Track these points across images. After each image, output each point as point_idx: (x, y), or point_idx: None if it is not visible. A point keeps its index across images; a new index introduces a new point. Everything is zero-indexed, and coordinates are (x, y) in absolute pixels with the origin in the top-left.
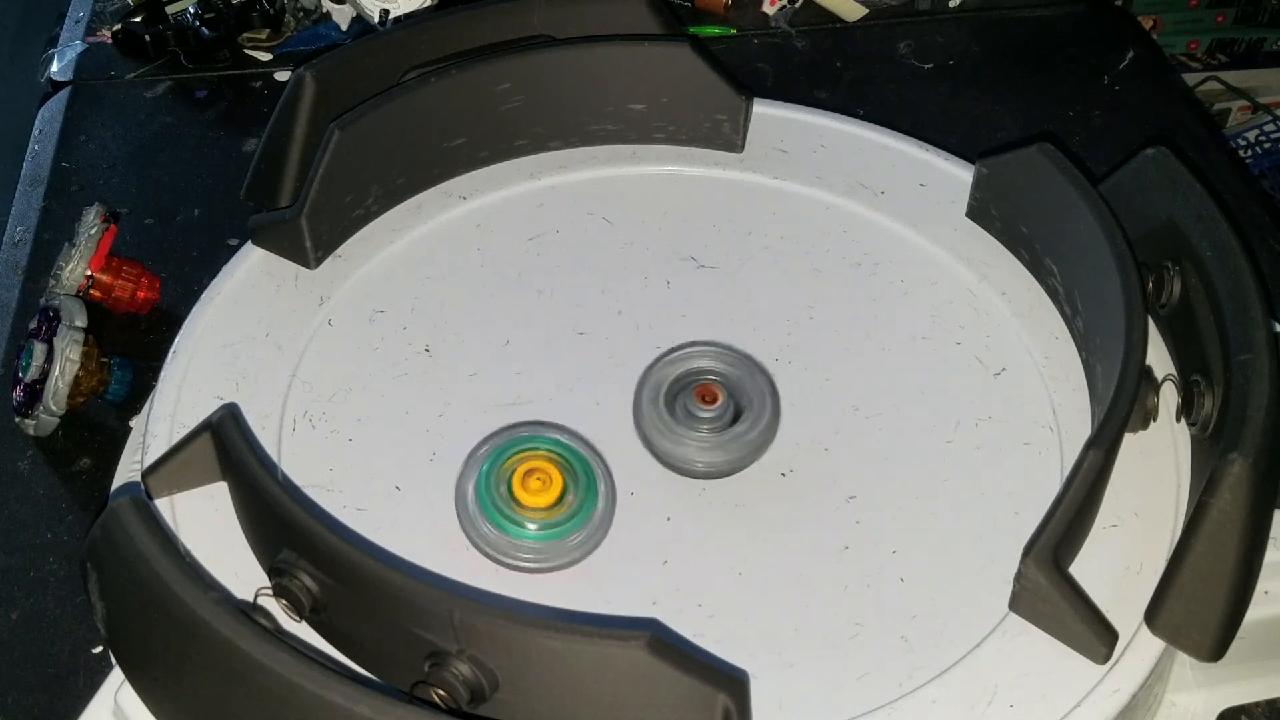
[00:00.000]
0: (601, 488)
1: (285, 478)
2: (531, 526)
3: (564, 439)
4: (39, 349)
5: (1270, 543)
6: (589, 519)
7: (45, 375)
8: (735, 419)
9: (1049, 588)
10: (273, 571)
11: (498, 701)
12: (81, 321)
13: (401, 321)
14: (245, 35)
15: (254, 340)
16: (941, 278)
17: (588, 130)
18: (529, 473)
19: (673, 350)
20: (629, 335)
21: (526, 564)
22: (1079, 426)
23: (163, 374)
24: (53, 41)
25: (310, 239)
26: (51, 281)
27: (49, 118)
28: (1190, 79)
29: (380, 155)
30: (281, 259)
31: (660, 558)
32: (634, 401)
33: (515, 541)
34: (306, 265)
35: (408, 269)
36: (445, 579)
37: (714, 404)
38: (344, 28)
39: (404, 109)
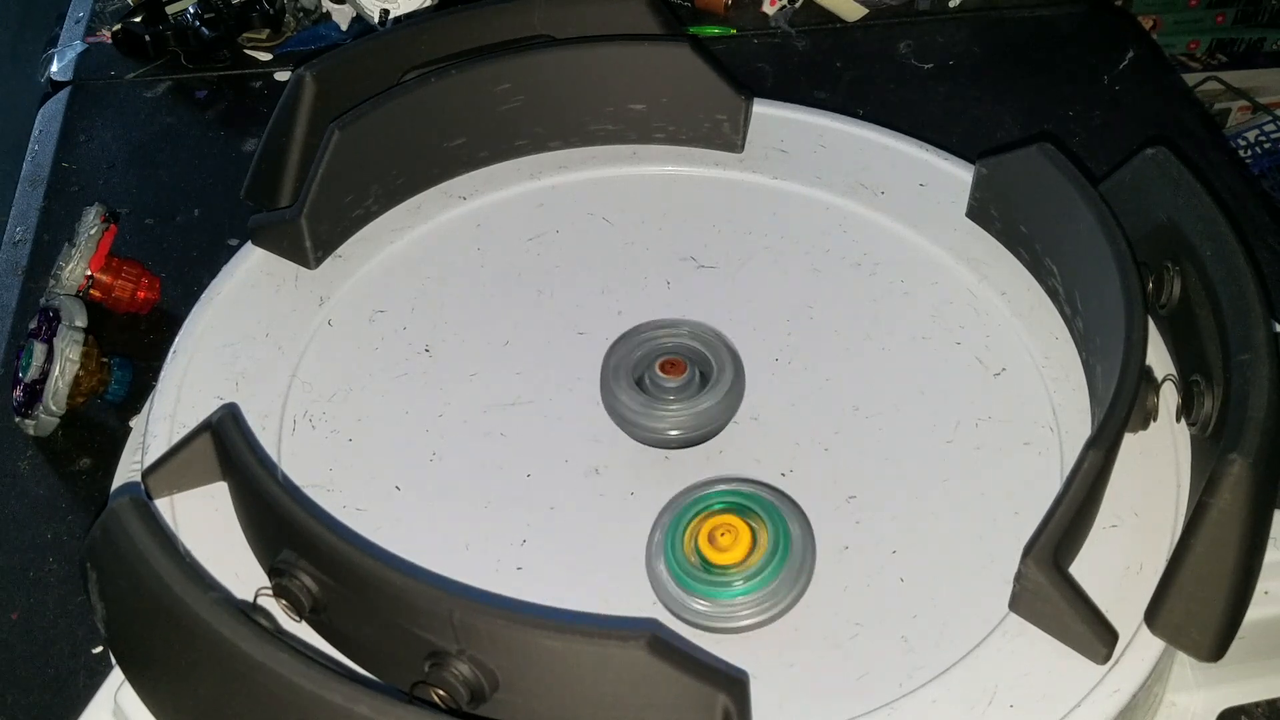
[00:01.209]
0: (793, 527)
1: (285, 478)
2: (738, 584)
3: (736, 488)
4: (39, 349)
5: (1270, 543)
6: (790, 558)
7: (45, 375)
8: (701, 384)
9: (1049, 588)
10: (273, 571)
11: (498, 701)
12: (81, 321)
13: (401, 321)
14: (245, 35)
15: (254, 340)
16: (941, 278)
17: (588, 130)
18: (714, 530)
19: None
20: None
21: (743, 622)
22: (1079, 426)
23: (163, 374)
24: (53, 41)
25: (310, 239)
26: (51, 281)
27: (49, 118)
28: (1190, 79)
29: (380, 155)
30: (281, 259)
31: None
32: (601, 387)
33: (727, 603)
34: (306, 265)
35: (408, 269)
36: (445, 579)
37: (681, 374)
38: (344, 28)
39: (404, 109)
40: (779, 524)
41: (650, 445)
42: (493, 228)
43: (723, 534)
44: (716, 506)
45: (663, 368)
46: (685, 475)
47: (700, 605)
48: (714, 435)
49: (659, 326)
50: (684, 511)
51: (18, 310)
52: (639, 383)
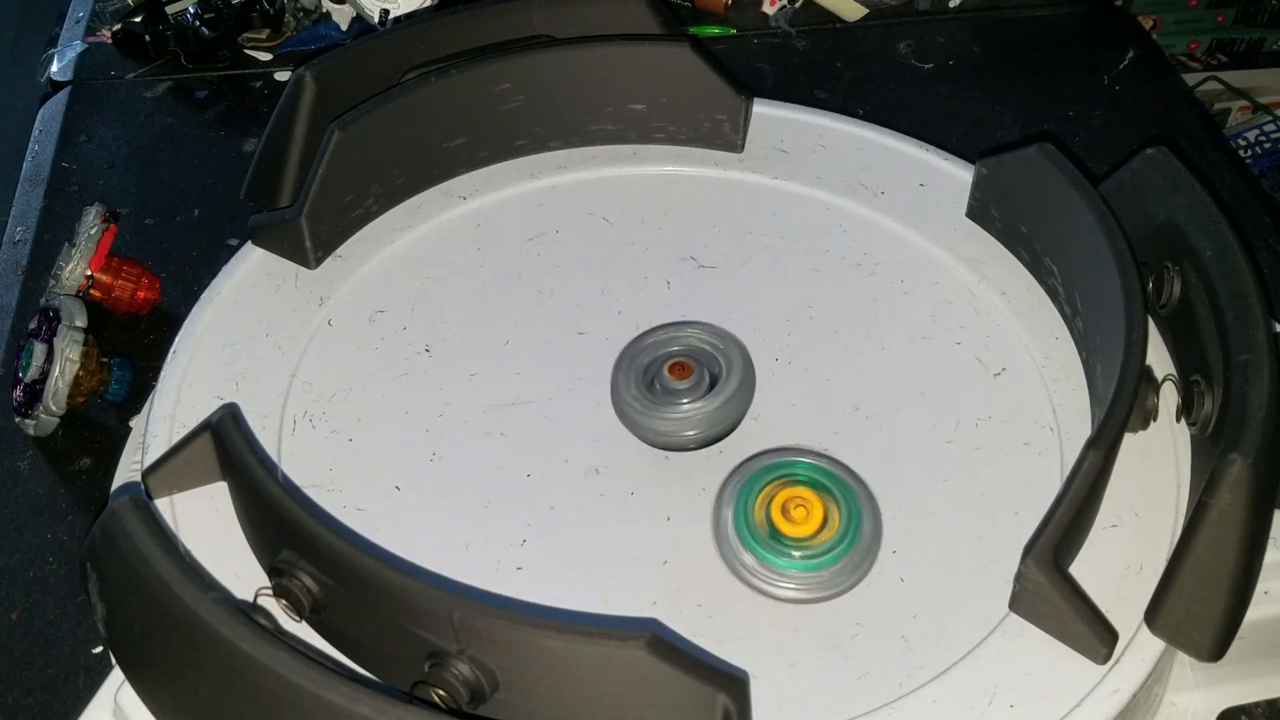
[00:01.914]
0: (865, 513)
1: (285, 478)
2: (796, 555)
3: (820, 464)
4: (39, 349)
5: (1270, 543)
6: (857, 544)
7: (45, 375)
8: (710, 386)
9: (1049, 588)
10: (273, 571)
11: (498, 701)
12: (81, 321)
13: (401, 321)
14: (245, 35)
15: (254, 340)
16: (941, 278)
17: (588, 130)
18: (788, 502)
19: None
20: (629, 335)
21: (793, 594)
22: (1079, 426)
23: (163, 374)
24: (53, 41)
25: (310, 239)
26: (51, 281)
27: (49, 118)
28: (1190, 79)
29: (380, 155)
30: (281, 259)
31: (660, 558)
32: (612, 390)
33: (781, 571)
34: (306, 265)
35: (408, 269)
36: (445, 579)
37: (688, 376)
38: (344, 28)
39: (404, 109)
40: (854, 512)
41: (656, 447)
42: (493, 228)
43: (797, 506)
44: (801, 478)
45: (671, 370)
46: (685, 475)
47: (752, 562)
48: (725, 437)
49: (668, 329)
50: (764, 472)
51: (18, 310)
52: (648, 385)
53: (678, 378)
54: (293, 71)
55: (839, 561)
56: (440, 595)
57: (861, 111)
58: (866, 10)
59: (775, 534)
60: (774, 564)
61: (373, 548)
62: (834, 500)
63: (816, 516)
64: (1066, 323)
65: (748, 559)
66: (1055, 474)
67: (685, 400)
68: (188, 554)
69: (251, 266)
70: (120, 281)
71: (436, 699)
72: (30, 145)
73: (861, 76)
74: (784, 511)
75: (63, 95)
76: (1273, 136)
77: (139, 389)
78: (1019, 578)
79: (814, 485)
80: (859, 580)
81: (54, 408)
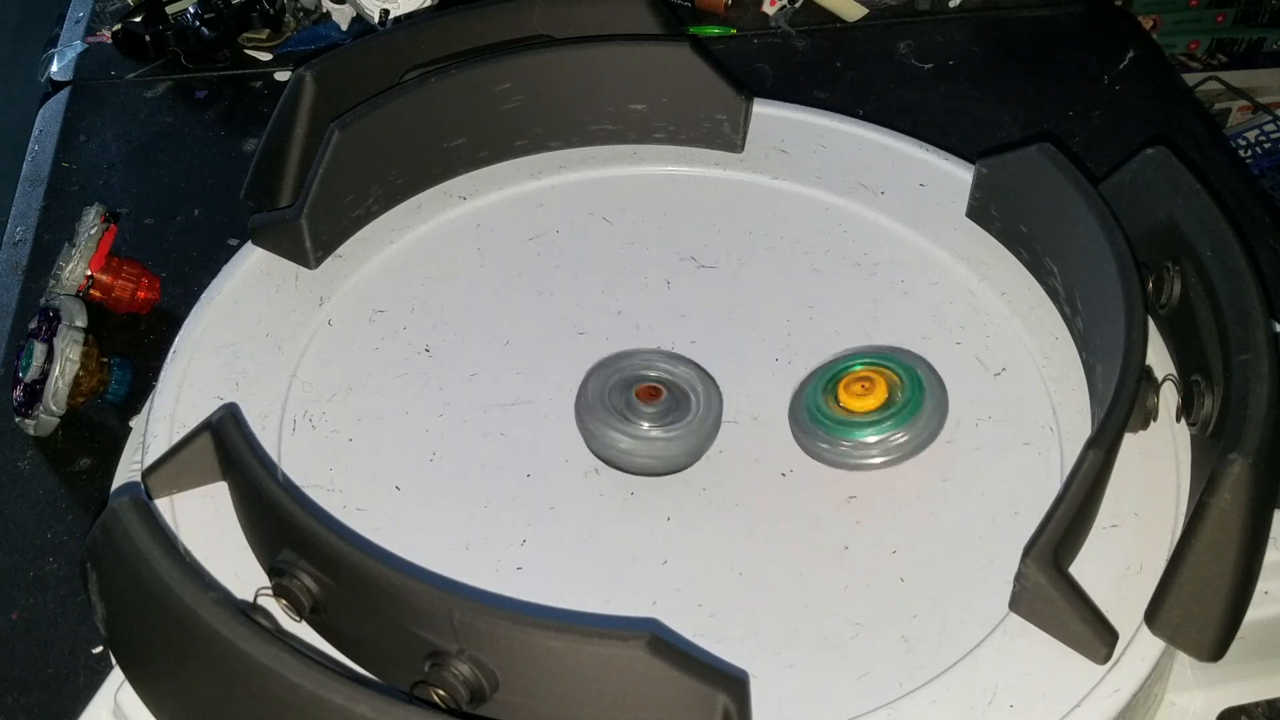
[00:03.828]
0: (927, 387)
1: (285, 478)
2: (866, 429)
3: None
4: (39, 349)
5: (1270, 543)
6: (920, 410)
7: (45, 375)
8: (678, 411)
9: (1049, 588)
10: (273, 571)
11: (498, 701)
12: (81, 321)
13: (401, 321)
14: (245, 35)
15: (254, 340)
16: (941, 278)
17: (588, 130)
18: (853, 382)
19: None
20: (629, 335)
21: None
22: (1079, 426)
23: (163, 374)
24: (53, 41)
25: (310, 239)
26: (51, 281)
27: (49, 118)
28: (1190, 79)
29: (380, 155)
30: (281, 259)
31: (660, 558)
32: (577, 407)
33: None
34: (306, 265)
35: (408, 269)
36: (445, 579)
37: (658, 399)
38: (344, 28)
39: (404, 109)
40: (914, 381)
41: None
42: (493, 228)
43: (862, 385)
44: (857, 367)
45: (639, 394)
46: (685, 475)
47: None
48: (684, 469)
49: (638, 356)
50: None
51: (18, 310)
52: (616, 408)
53: (645, 401)
54: (293, 71)
55: (919, 411)
56: (440, 595)
57: (861, 111)
58: (866, 10)
59: (847, 412)
60: (851, 435)
61: (373, 548)
62: (891, 372)
63: (881, 388)
64: (1066, 323)
65: (847, 444)
66: (1055, 474)
67: (646, 425)
68: (188, 554)
69: (251, 266)
70: (120, 281)
71: (436, 699)
72: (30, 145)
73: (861, 76)
74: (850, 391)
75: (63, 95)
76: (1273, 136)
77: (139, 389)
78: (1019, 578)
79: (869, 366)
80: (938, 432)
81: (54, 408)
